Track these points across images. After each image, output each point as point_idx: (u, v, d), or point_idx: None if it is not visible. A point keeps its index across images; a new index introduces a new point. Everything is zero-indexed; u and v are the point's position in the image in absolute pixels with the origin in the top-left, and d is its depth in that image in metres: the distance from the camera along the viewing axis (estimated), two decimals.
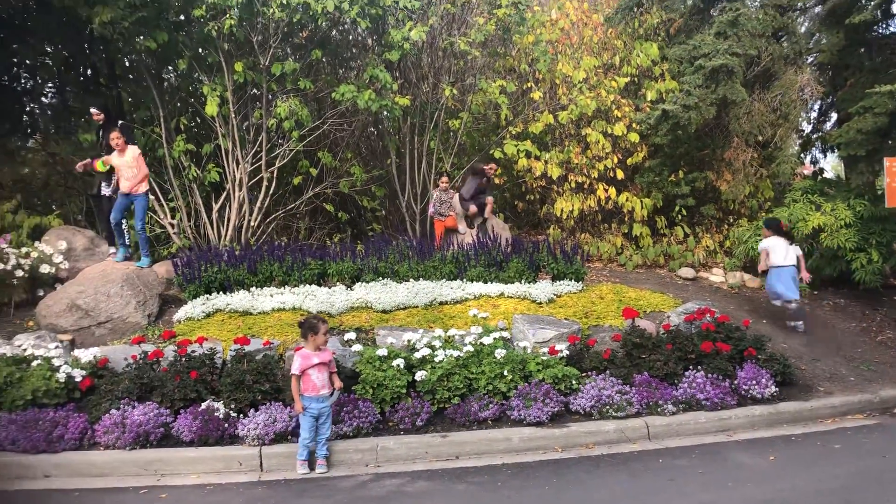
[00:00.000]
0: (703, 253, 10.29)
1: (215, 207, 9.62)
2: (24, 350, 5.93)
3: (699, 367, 6.38)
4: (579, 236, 10.76)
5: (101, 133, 8.56)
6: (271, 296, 7.44)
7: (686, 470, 4.95)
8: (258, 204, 9.60)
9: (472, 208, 9.78)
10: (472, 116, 10.98)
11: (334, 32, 10.42)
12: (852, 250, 8.57)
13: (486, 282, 8.12)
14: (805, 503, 4.30)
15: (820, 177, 11.67)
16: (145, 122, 9.91)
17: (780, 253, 8.01)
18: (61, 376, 5.65)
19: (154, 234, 9.58)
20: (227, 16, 8.57)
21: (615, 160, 10.54)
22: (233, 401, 5.53)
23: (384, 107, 9.11)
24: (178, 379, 5.64)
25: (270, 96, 9.45)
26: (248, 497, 4.58)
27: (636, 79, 11.19)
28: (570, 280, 8.29)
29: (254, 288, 7.67)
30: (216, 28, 8.66)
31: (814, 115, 12.96)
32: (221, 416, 5.37)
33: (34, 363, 5.77)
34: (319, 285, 7.94)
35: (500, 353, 6.10)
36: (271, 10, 8.64)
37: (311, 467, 5.04)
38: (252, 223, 9.57)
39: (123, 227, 8.06)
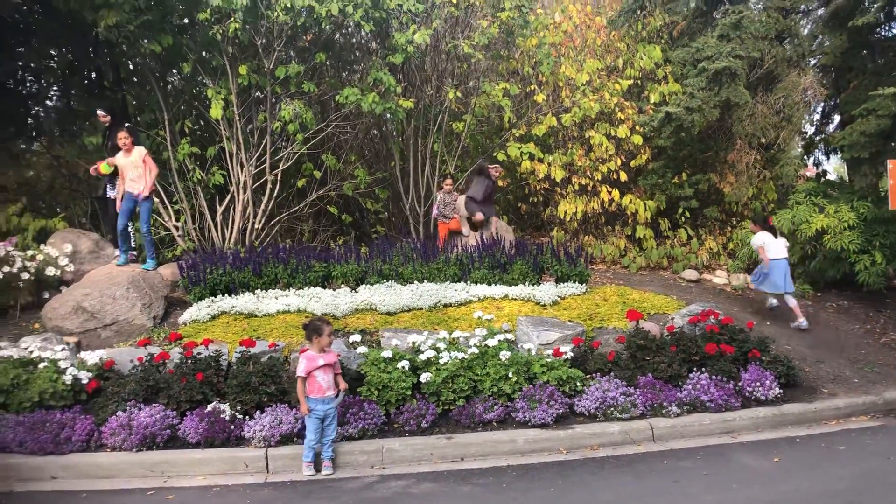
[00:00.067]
0: (706, 255, 10.30)
1: (220, 210, 9.65)
2: (31, 352, 5.95)
3: (703, 369, 6.39)
4: (583, 238, 10.77)
5: (107, 135, 8.59)
6: (276, 298, 7.45)
7: (690, 471, 4.96)
8: (262, 206, 9.62)
9: (479, 216, 9.49)
10: (475, 119, 11.00)
11: (338, 36, 10.44)
12: (856, 252, 8.57)
13: (490, 284, 8.15)
14: None
15: (823, 179, 11.68)
16: (150, 126, 9.93)
17: (775, 246, 8.07)
18: (68, 378, 5.68)
19: (158, 236, 9.60)
20: (232, 19, 8.60)
21: (618, 162, 10.56)
22: (238, 402, 5.55)
23: (388, 109, 9.13)
24: (184, 381, 5.65)
25: (274, 99, 9.47)
26: (255, 498, 4.60)
27: (639, 81, 11.22)
28: (574, 282, 8.30)
29: (259, 290, 7.68)
30: (220, 31, 8.68)
31: (817, 117, 12.96)
32: (227, 417, 5.39)
33: (41, 365, 5.79)
34: (324, 287, 7.95)
35: (504, 355, 6.12)
36: (275, 14, 8.68)
37: (317, 469, 5.06)
38: (256, 225, 9.59)
39: (130, 231, 8.07)
